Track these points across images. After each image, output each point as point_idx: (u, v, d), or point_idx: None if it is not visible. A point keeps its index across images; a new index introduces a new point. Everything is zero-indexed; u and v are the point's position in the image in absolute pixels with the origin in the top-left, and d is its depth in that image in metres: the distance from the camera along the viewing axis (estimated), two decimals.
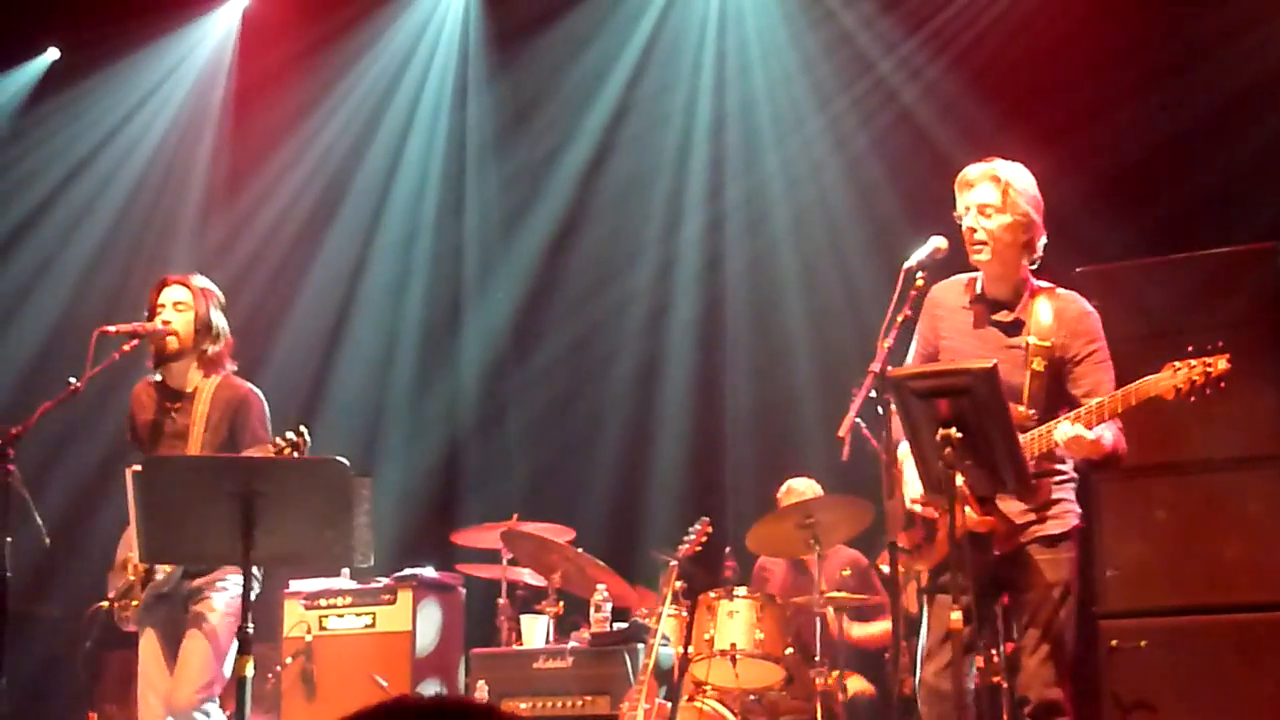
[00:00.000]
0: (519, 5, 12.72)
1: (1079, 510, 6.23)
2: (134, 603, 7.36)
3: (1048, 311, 6.20)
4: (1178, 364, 5.81)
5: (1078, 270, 8.35)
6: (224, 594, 7.24)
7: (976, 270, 6.32)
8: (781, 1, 11.92)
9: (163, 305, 7.48)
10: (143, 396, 7.63)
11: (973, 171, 6.29)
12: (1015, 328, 6.23)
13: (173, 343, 7.42)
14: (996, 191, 6.18)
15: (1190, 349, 5.83)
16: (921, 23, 11.10)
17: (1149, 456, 7.95)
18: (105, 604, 7.58)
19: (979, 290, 6.33)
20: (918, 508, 6.15)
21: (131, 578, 7.36)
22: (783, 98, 11.86)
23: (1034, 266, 6.33)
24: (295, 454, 6.74)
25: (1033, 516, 6.10)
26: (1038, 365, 6.10)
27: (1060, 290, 6.33)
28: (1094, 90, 10.08)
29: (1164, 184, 9.76)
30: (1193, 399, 5.79)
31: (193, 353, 7.49)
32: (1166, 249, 8.74)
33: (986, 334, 6.27)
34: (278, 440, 6.85)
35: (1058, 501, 6.15)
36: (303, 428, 6.85)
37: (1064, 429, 5.85)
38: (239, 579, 6.90)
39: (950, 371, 5.90)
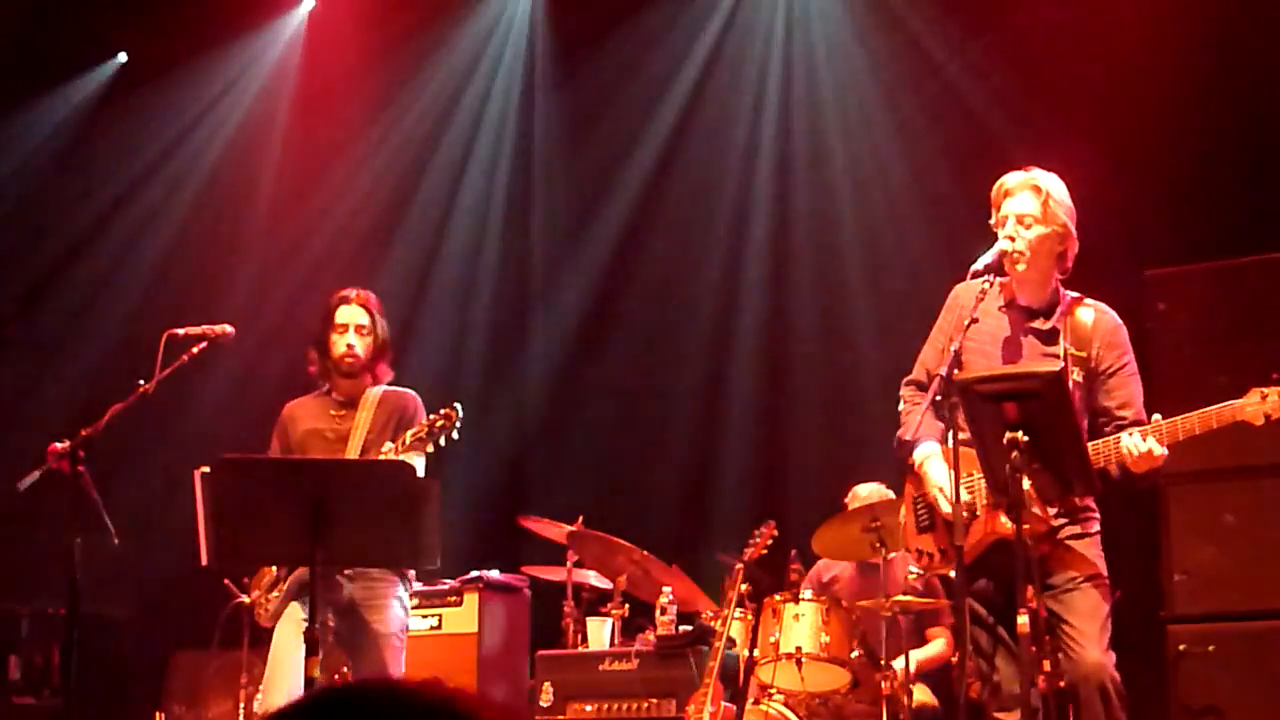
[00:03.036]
0: (586, 8, 12.73)
1: (1099, 516, 6.28)
2: (274, 595, 7.40)
3: (1081, 322, 6.21)
4: (1265, 390, 5.80)
5: (1147, 273, 8.31)
6: (390, 610, 7.33)
7: (1006, 277, 6.31)
8: (848, 4, 11.90)
9: (344, 326, 7.58)
10: (297, 412, 7.71)
11: (1011, 180, 6.29)
12: (1051, 336, 6.25)
13: (353, 364, 7.54)
14: (1037, 202, 6.18)
15: (1275, 376, 5.81)
16: (989, 25, 11.05)
17: (1217, 460, 7.91)
18: (246, 600, 7.66)
19: (1012, 298, 6.33)
20: (943, 504, 6.14)
21: (275, 571, 7.42)
22: (850, 101, 11.84)
23: (1065, 277, 6.33)
24: (448, 426, 6.84)
25: (1062, 520, 6.15)
26: (1077, 375, 6.10)
27: (1090, 300, 6.33)
28: (1163, 92, 10.01)
29: (1234, 186, 9.70)
30: None
31: (365, 371, 7.60)
32: (1236, 251, 8.69)
33: (1022, 341, 6.27)
34: (432, 417, 6.95)
35: (1085, 508, 6.21)
36: (457, 404, 6.94)
37: (1136, 442, 5.85)
38: (404, 593, 7.04)
39: (1018, 375, 5.90)
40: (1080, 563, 6.12)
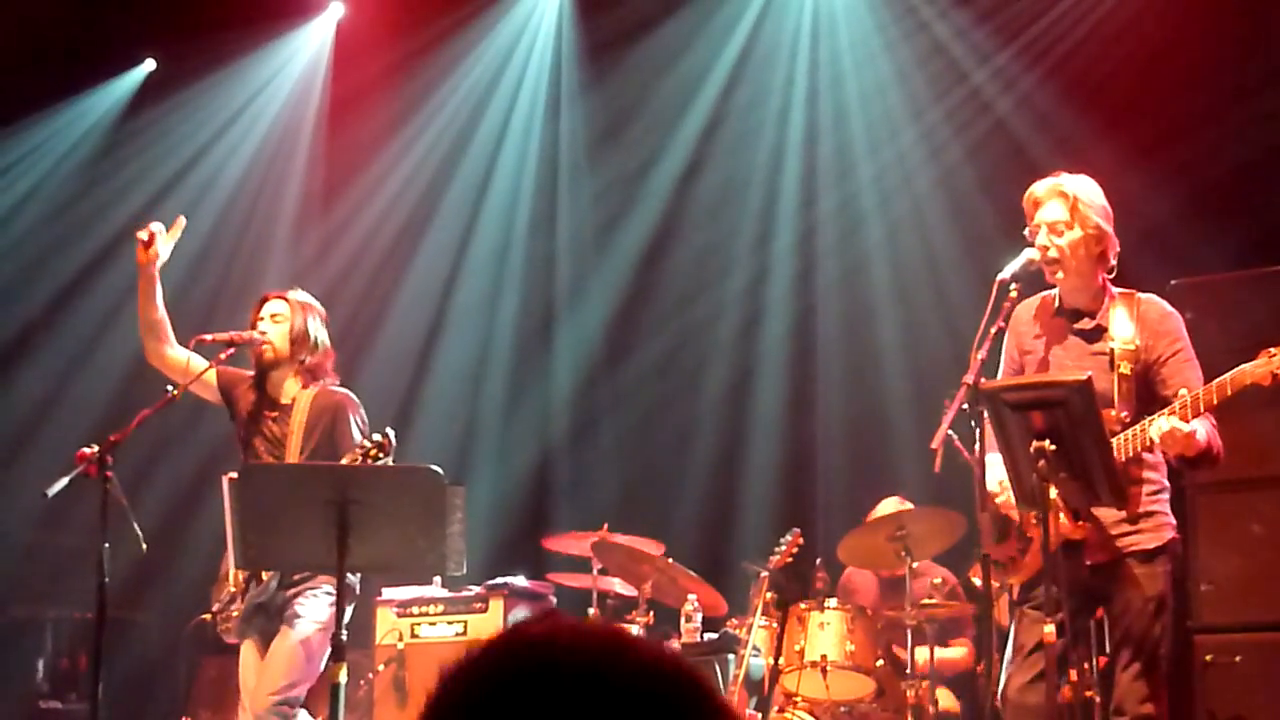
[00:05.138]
0: (612, 17, 12.72)
1: (1174, 523, 6.19)
2: (234, 613, 7.43)
3: (1128, 315, 6.19)
4: (1273, 350, 5.76)
5: (1173, 282, 8.29)
6: (315, 601, 7.29)
7: (1054, 287, 6.31)
8: (875, 13, 11.89)
9: (261, 318, 7.58)
10: (238, 392, 7.70)
11: (1040, 189, 6.28)
12: (1096, 334, 6.23)
13: (268, 352, 7.51)
14: (1065, 207, 6.17)
15: None
16: (1016, 34, 11.03)
17: (1245, 469, 7.88)
18: (208, 616, 7.66)
19: (1059, 304, 6.33)
20: (1003, 497, 6.14)
21: (233, 589, 7.44)
22: (876, 109, 11.82)
23: (1111, 275, 6.32)
24: (381, 455, 6.81)
25: (1127, 527, 6.07)
26: (1125, 369, 6.08)
27: (1140, 294, 6.31)
28: (1190, 100, 9.99)
29: (1261, 195, 9.67)
30: None
31: (290, 363, 7.56)
32: (1263, 260, 8.66)
33: (1069, 344, 6.27)
34: (363, 443, 6.92)
35: (1152, 514, 6.11)
36: (389, 430, 6.91)
37: (1159, 423, 5.81)
38: (331, 587, 6.98)
39: (1045, 384, 5.88)
40: (1136, 585, 6.04)
